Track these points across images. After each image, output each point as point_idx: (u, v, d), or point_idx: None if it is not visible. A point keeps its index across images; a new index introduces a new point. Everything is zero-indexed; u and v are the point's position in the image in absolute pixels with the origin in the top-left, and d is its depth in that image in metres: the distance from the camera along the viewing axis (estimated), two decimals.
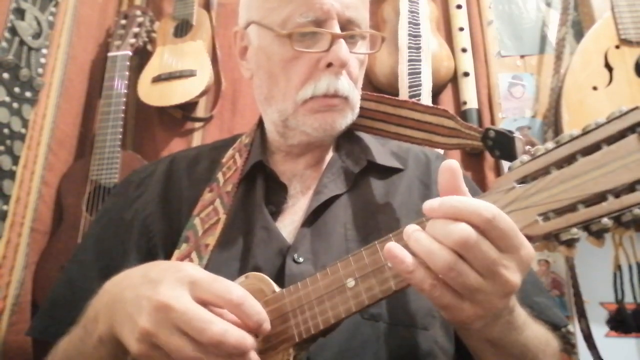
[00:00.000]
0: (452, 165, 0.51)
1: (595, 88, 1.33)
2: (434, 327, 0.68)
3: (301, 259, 0.69)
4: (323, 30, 0.71)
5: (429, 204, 0.48)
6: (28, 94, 1.33)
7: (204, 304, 0.50)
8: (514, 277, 0.47)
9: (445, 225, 0.46)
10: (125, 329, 0.52)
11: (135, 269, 0.57)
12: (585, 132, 0.46)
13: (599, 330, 1.25)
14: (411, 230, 0.49)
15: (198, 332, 0.48)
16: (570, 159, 0.47)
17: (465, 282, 0.46)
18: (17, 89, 1.30)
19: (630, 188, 0.44)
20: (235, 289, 0.51)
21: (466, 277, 0.46)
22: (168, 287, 0.50)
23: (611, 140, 0.45)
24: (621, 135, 0.45)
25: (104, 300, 0.57)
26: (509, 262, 0.47)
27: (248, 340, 0.50)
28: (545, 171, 0.48)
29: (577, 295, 1.26)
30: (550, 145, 0.48)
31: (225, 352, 0.49)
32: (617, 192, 0.44)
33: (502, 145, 0.71)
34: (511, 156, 0.70)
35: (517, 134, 0.70)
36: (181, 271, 0.52)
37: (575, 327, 1.27)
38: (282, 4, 0.72)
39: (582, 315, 1.24)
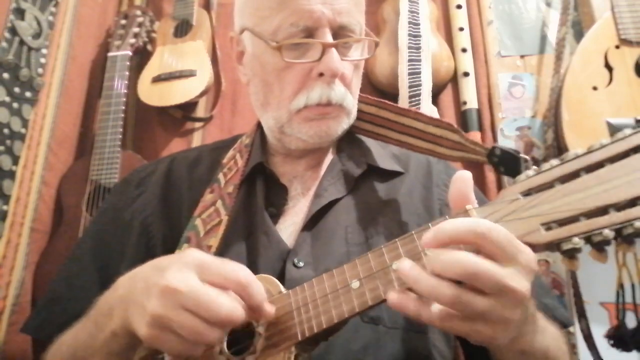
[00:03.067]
0: (464, 176, 0.53)
1: (595, 88, 1.33)
2: (432, 331, 0.68)
3: (301, 263, 0.69)
4: (313, 41, 0.71)
5: (425, 239, 0.49)
6: (28, 94, 1.33)
7: (212, 285, 0.51)
8: (521, 284, 0.47)
9: (443, 258, 0.46)
10: (136, 317, 0.52)
11: (147, 263, 0.58)
12: (590, 151, 0.48)
13: (599, 330, 1.25)
14: (408, 269, 0.48)
15: (207, 309, 0.49)
16: (574, 175, 0.48)
17: (474, 309, 0.46)
18: (17, 89, 1.30)
19: (632, 203, 0.45)
20: (241, 270, 0.53)
21: (474, 305, 0.46)
22: (174, 272, 0.52)
23: (615, 159, 0.47)
24: (624, 155, 0.46)
25: (118, 295, 0.57)
26: (513, 272, 0.46)
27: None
28: (549, 185, 0.49)
29: (577, 295, 1.26)
30: (555, 162, 0.50)
31: (232, 326, 0.51)
32: (619, 207, 0.45)
33: (508, 163, 0.72)
34: (516, 174, 0.71)
35: (522, 154, 0.71)
36: (187, 256, 0.54)
37: (575, 327, 1.27)
38: (273, 13, 0.71)
39: (582, 315, 1.24)
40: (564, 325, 0.74)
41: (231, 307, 0.50)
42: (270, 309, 0.54)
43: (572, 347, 1.28)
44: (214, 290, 0.51)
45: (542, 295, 0.75)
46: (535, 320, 0.55)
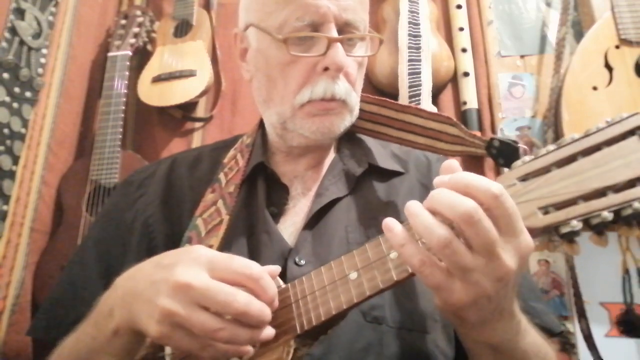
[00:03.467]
0: (452, 165, 0.52)
1: (595, 88, 1.33)
2: (435, 331, 0.68)
3: (303, 262, 0.69)
4: (319, 35, 0.71)
5: (440, 179, 0.49)
6: (28, 94, 1.33)
7: (222, 281, 0.51)
8: (510, 261, 0.47)
9: (451, 197, 0.46)
10: (143, 315, 0.52)
11: (145, 262, 0.58)
12: (586, 135, 0.48)
13: (599, 330, 1.25)
14: (413, 205, 0.49)
15: (223, 305, 0.49)
16: (571, 159, 0.48)
17: (459, 260, 0.46)
18: (17, 89, 1.30)
19: (630, 184, 0.45)
20: (253, 265, 0.53)
21: (460, 256, 0.46)
22: (184, 268, 0.51)
23: (611, 142, 0.47)
24: (622, 137, 0.46)
25: (118, 294, 0.57)
26: (507, 245, 0.47)
27: (267, 310, 0.52)
28: (546, 170, 0.49)
29: (577, 295, 1.26)
30: (551, 147, 0.50)
31: (247, 323, 0.51)
32: (617, 189, 0.45)
33: (507, 154, 0.72)
34: None
35: (521, 144, 0.71)
36: (195, 252, 0.54)
37: (575, 327, 1.27)
38: (279, 8, 0.72)
39: (582, 315, 1.24)
40: (551, 331, 0.74)
41: (247, 302, 0.50)
42: (276, 302, 0.55)
43: (572, 347, 1.28)
44: (228, 286, 0.51)
45: (531, 299, 0.75)
46: (512, 318, 0.55)
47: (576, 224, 0.47)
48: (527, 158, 0.51)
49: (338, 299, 0.54)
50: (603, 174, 0.46)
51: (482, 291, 0.47)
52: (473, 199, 0.46)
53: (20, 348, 1.22)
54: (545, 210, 0.48)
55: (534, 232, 0.49)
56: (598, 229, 0.47)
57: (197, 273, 0.51)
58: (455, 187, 0.47)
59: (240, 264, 0.53)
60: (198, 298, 0.50)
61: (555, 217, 0.48)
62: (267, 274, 0.54)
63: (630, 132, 0.46)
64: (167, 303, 0.50)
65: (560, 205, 0.48)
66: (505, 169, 1.32)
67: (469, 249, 0.46)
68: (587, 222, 0.47)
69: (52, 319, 0.77)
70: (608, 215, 0.45)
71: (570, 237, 0.48)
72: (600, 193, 0.46)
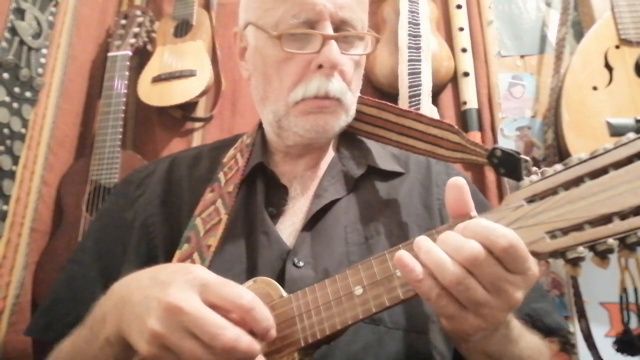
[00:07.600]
0: (459, 183, 0.53)
1: (595, 88, 1.33)
2: (432, 332, 0.68)
3: (301, 263, 0.69)
4: (313, 32, 0.71)
5: (456, 227, 0.51)
6: (28, 94, 1.33)
7: (213, 307, 0.50)
8: (518, 294, 0.49)
9: (456, 240, 0.48)
10: (134, 330, 0.51)
11: (143, 271, 0.57)
12: (593, 157, 0.47)
13: (599, 330, 1.25)
14: (422, 241, 0.50)
15: (211, 338, 0.48)
16: (577, 181, 0.48)
17: (472, 296, 0.48)
18: (17, 89, 1.30)
19: (636, 211, 0.45)
20: (245, 294, 0.51)
21: (473, 292, 0.47)
22: (178, 289, 0.50)
23: (618, 165, 0.46)
24: (628, 160, 0.46)
25: (112, 302, 0.57)
26: (515, 280, 0.48)
27: (257, 346, 0.50)
28: (553, 191, 0.49)
29: (577, 295, 1.26)
30: (558, 167, 0.50)
31: (235, 357, 0.49)
32: (623, 215, 0.45)
33: (508, 165, 0.72)
34: (516, 175, 0.71)
35: (523, 155, 0.71)
36: (191, 273, 0.52)
37: (575, 327, 1.27)
38: (276, 5, 0.72)
39: (582, 315, 1.24)
40: (554, 331, 0.75)
41: (236, 337, 0.48)
42: (273, 332, 0.53)
43: (572, 347, 1.28)
44: (218, 317, 0.49)
45: (534, 300, 0.75)
46: (506, 327, 0.57)
47: (582, 250, 0.46)
48: (534, 178, 0.51)
49: (343, 314, 0.55)
50: (609, 198, 0.46)
51: (494, 321, 0.50)
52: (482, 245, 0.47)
53: (20, 348, 1.22)
54: (553, 234, 0.48)
55: (540, 256, 0.49)
56: (602, 254, 0.47)
57: (189, 296, 0.49)
58: (468, 236, 0.49)
59: (232, 292, 0.51)
60: (188, 324, 0.48)
61: (563, 242, 0.48)
62: (260, 303, 0.52)
63: (637, 156, 0.45)
64: (157, 326, 0.49)
65: (567, 230, 0.47)
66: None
67: (483, 286, 0.48)
68: (592, 248, 0.47)
69: (51, 318, 0.77)
70: (613, 243, 0.45)
71: (575, 262, 0.48)
72: (607, 219, 0.46)
